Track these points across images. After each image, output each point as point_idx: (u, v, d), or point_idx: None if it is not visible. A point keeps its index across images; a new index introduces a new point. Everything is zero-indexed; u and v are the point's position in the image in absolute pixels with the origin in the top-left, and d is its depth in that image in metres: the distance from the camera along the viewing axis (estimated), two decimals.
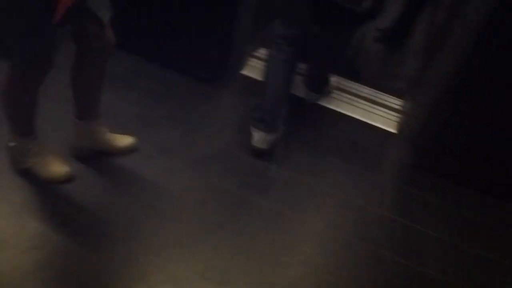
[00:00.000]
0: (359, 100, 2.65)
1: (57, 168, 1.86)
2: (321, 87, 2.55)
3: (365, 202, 2.06)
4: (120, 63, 2.51)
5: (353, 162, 2.26)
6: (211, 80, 2.56)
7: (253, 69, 2.71)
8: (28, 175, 1.84)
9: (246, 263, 1.71)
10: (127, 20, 2.52)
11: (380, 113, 2.59)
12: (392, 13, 3.08)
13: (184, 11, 2.37)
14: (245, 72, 2.70)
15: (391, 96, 2.70)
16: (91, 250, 1.67)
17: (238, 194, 1.98)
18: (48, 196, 1.82)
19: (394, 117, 2.57)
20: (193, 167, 2.07)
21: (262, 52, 2.79)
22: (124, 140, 2.03)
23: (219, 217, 1.87)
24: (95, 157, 1.98)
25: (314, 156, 2.27)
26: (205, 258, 1.71)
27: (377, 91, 2.72)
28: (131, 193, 1.91)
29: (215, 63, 2.54)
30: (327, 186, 2.10)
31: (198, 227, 1.81)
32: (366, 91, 2.71)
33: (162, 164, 2.05)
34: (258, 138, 2.13)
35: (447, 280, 1.80)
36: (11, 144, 1.81)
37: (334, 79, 2.62)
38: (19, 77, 1.61)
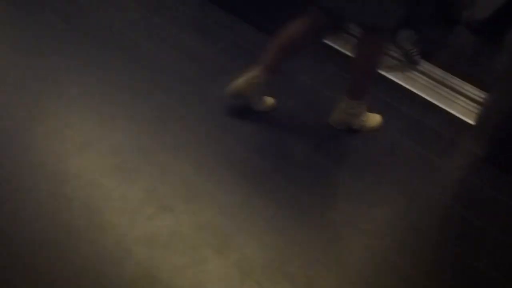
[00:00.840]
0: (441, 86, 2.59)
1: (375, 118, 2.22)
2: None
3: (430, 189, 2.04)
4: (213, 15, 2.66)
5: (426, 148, 2.23)
6: None
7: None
8: None
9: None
10: None
11: (461, 103, 2.52)
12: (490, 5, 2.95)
13: None
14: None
15: (475, 87, 2.61)
16: None
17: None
18: None
19: (474, 108, 2.49)
20: None
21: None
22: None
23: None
24: None
25: (390, 137, 2.25)
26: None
27: (461, 80, 2.63)
28: None
29: None
30: (398, 169, 2.09)
31: None
32: (450, 78, 2.64)
33: None
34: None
35: (498, 277, 1.75)
36: (352, 109, 2.09)
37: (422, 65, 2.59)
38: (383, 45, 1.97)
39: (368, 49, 1.91)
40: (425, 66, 2.68)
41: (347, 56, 2.52)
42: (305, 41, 1.98)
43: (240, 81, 2.01)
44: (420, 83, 2.59)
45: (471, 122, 2.42)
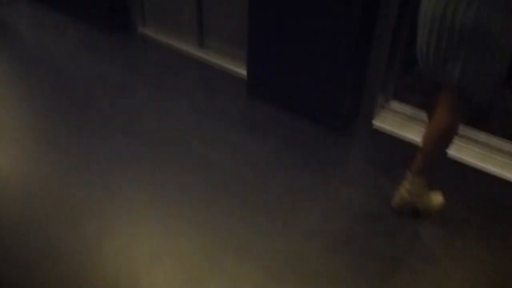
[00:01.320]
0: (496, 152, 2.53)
1: (438, 197, 2.11)
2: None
3: (498, 261, 1.92)
4: (259, 111, 2.76)
5: (494, 221, 2.13)
6: (342, 129, 2.65)
7: (384, 119, 2.75)
8: None
9: None
10: (261, 71, 2.76)
11: None
12: None
13: (314, 57, 2.53)
14: (377, 123, 2.74)
15: None
16: None
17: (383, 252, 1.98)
18: None
19: None
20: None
21: (394, 104, 2.83)
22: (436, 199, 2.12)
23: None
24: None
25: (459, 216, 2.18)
26: None
27: None
28: None
29: (346, 112, 2.62)
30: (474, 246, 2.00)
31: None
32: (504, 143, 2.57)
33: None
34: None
35: None
36: (410, 186, 2.01)
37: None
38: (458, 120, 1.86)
39: (450, 118, 1.85)
40: (476, 133, 2.63)
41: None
42: (447, 132, 1.89)
43: (401, 192, 2.04)
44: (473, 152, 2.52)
45: None
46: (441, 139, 1.92)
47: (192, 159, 2.43)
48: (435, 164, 2.03)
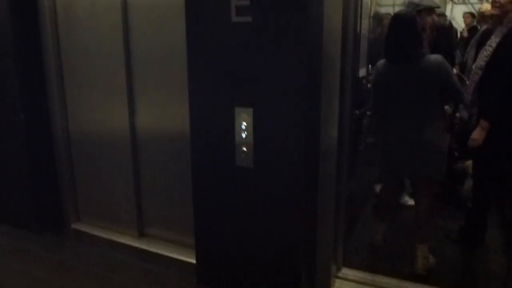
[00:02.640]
0: None
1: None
2: None
3: None
4: None
5: None
6: None
7: None
8: None
9: None
10: (212, 255, 2.70)
11: None
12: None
13: (266, 242, 2.54)
14: None
15: None
16: None
17: None
18: None
19: None
20: None
21: (345, 272, 2.85)
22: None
23: None
24: None
25: None
26: None
27: None
28: None
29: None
30: None
31: None
32: None
33: None
34: None
35: None
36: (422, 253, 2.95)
37: None
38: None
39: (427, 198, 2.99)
40: None
41: None
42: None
43: (419, 260, 2.95)
44: None
45: None
46: (427, 214, 2.99)
47: None
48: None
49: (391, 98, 2.96)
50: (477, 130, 2.96)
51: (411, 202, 3.89)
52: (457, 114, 3.83)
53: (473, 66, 3.28)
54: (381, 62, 3.01)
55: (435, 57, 2.77)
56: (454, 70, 4.01)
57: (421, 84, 2.79)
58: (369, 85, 3.99)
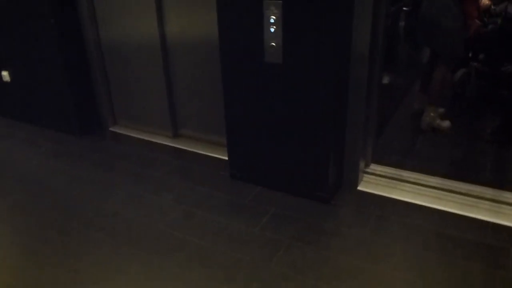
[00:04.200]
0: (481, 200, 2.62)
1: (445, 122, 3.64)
2: None
3: None
4: (245, 193, 2.76)
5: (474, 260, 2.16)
6: (330, 199, 2.68)
7: (368, 184, 2.81)
8: None
9: None
10: (242, 153, 2.81)
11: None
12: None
13: (295, 134, 2.60)
14: (361, 188, 2.79)
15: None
16: None
17: None
18: None
19: None
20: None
21: (374, 168, 2.92)
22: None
23: None
24: None
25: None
26: None
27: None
28: None
29: (331, 183, 2.66)
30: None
31: None
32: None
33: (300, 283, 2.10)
34: None
35: None
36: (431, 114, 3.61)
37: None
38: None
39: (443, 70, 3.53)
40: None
41: None
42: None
43: (426, 118, 3.62)
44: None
45: None
46: (441, 83, 3.54)
47: (186, 252, 2.35)
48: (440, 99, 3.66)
49: None
50: None
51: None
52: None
53: None
54: None
55: None
56: None
57: None
58: None
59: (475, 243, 2.32)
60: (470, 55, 4.09)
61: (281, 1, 2.34)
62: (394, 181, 2.81)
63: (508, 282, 2.06)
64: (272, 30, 2.42)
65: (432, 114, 3.61)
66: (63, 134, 3.79)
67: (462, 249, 2.28)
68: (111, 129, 3.80)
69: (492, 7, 3.84)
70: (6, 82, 3.96)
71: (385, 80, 2.93)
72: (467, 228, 2.42)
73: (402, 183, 2.78)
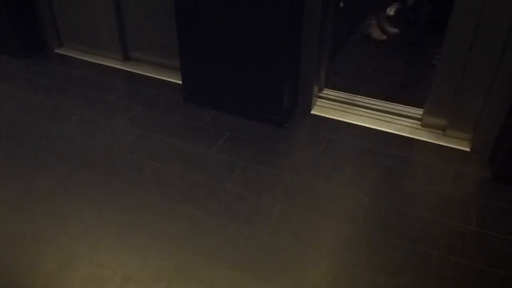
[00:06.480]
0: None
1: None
2: None
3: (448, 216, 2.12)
4: (200, 116, 2.77)
5: (433, 183, 2.33)
6: (284, 122, 2.74)
7: (322, 108, 2.88)
8: None
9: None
10: (197, 76, 2.77)
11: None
12: None
13: (250, 57, 2.59)
14: (315, 112, 2.86)
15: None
16: None
17: None
18: None
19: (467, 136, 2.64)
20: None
21: (327, 92, 2.98)
22: None
23: None
24: None
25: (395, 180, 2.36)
26: None
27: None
28: None
29: (286, 107, 2.71)
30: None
31: None
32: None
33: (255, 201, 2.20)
34: None
35: None
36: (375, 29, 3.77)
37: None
38: None
39: None
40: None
41: None
42: None
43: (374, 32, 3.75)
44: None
45: (467, 149, 2.56)
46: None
47: (142, 174, 2.38)
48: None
49: None
50: None
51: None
52: None
53: None
54: None
55: None
56: None
57: None
58: None
59: (419, 163, 2.48)
60: None
61: None
62: (346, 105, 2.90)
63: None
64: None
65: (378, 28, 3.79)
66: (6, 56, 3.56)
67: (407, 167, 2.44)
68: (56, 51, 3.61)
69: None
70: None
71: (342, 3, 2.89)
72: (412, 149, 2.58)
73: (354, 107, 2.87)
